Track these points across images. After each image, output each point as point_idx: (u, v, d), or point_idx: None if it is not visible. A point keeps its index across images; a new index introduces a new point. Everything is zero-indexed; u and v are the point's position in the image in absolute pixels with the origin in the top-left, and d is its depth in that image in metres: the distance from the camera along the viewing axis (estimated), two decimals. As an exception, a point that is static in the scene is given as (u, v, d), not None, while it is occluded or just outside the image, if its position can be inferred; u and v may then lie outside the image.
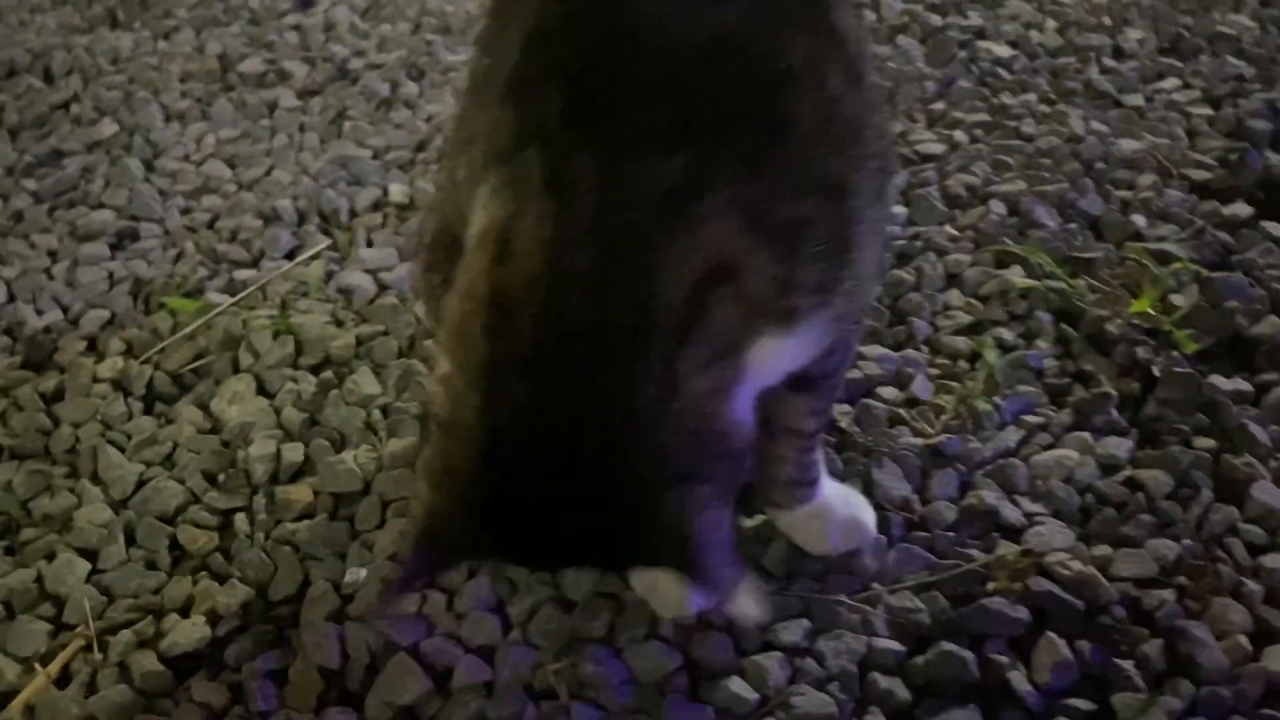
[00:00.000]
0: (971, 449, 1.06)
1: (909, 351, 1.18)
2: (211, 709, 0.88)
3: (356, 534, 1.02)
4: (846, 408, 1.11)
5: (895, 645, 0.89)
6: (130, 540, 1.04)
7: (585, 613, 0.92)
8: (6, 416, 1.18)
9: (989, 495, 1.00)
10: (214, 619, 0.95)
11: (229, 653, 0.93)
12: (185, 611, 0.97)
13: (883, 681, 0.87)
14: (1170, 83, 1.62)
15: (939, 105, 1.60)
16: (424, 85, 1.75)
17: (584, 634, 0.90)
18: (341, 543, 1.01)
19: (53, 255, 1.42)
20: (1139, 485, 1.02)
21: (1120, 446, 1.05)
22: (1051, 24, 1.80)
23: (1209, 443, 1.06)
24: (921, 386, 1.13)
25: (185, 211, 1.48)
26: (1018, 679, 0.86)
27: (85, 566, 1.01)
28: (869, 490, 1.01)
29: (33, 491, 1.09)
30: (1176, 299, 1.21)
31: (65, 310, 1.33)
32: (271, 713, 0.87)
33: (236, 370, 1.21)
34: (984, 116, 1.56)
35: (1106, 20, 1.79)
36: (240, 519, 1.04)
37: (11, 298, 1.36)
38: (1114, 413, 1.10)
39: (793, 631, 0.90)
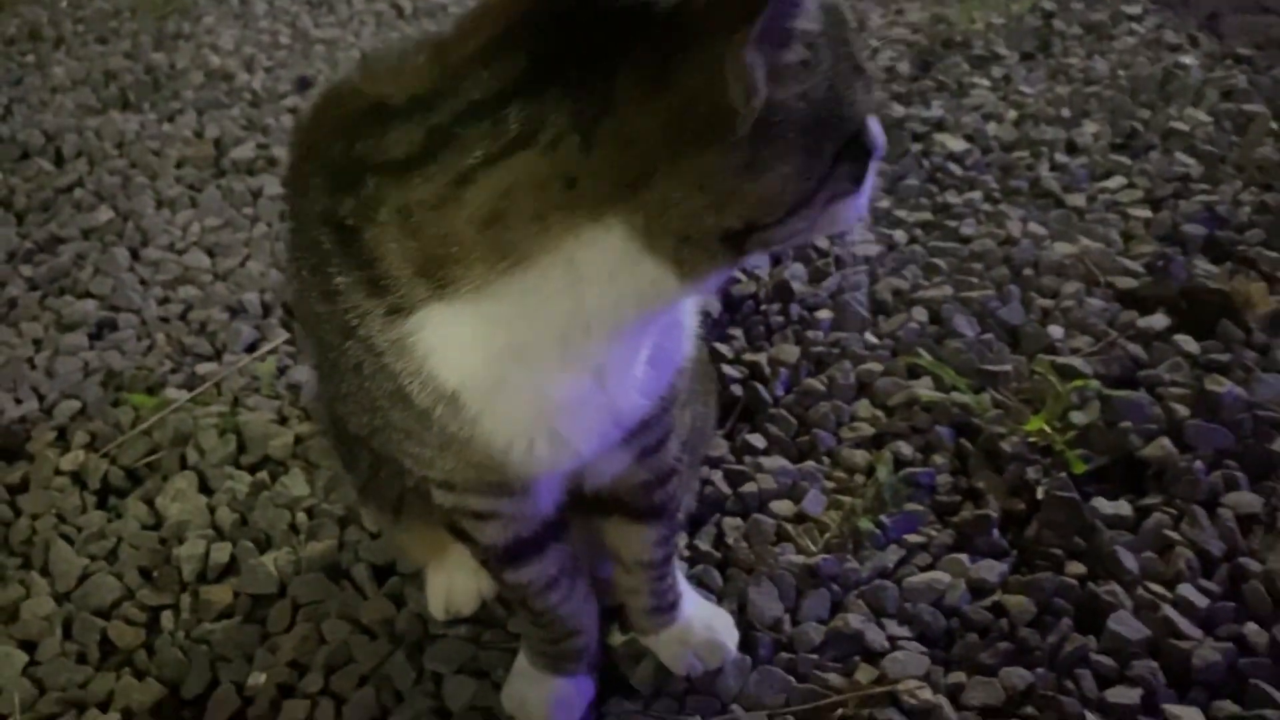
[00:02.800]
0: (848, 569, 1.11)
1: (809, 464, 1.23)
2: (114, 805, 0.97)
3: (266, 636, 1.10)
4: (739, 522, 1.17)
5: (742, 769, 0.95)
6: (67, 633, 1.13)
7: (461, 723, 0.99)
8: (-26, 501, 1.28)
9: (856, 619, 1.05)
10: (128, 715, 1.04)
11: (138, 750, 1.01)
12: (105, 706, 1.05)
13: (722, 805, 0.92)
14: (1115, 181, 1.65)
15: (884, 203, 1.65)
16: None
17: (454, 747, 0.98)
18: (251, 645, 1.09)
19: (37, 344, 1.53)
20: (1004, 611, 1.06)
21: (993, 570, 1.10)
22: (1012, 114, 1.84)
23: (1080, 568, 1.09)
24: (813, 501, 1.18)
25: (163, 301, 1.59)
26: (849, 808, 0.91)
27: (23, 659, 1.10)
28: (744, 609, 1.07)
29: (-23, 599, 1.19)
30: (1077, 416, 1.25)
31: (41, 399, 1.44)
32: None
33: (184, 466, 1.30)
34: (926, 215, 1.61)
35: (1065, 112, 1.83)
36: (166, 616, 1.13)
37: (-4, 386, 1.47)
38: (995, 534, 1.14)
39: (646, 752, 0.96)
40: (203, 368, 1.45)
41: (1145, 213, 1.58)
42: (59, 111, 2.13)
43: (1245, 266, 1.46)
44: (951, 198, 1.64)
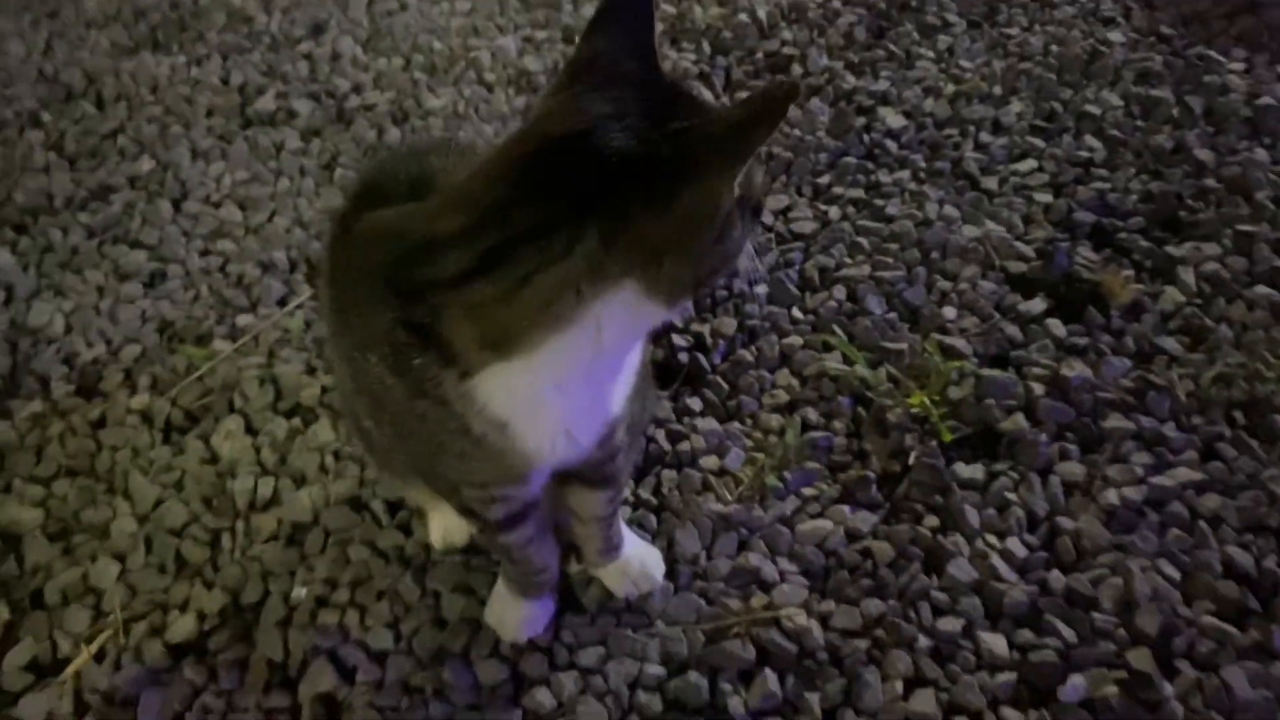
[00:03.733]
0: (754, 516, 1.42)
1: (734, 425, 1.53)
2: (195, 685, 1.30)
3: (304, 557, 1.42)
4: (674, 474, 1.48)
5: (659, 670, 1.28)
6: (148, 549, 1.45)
7: (452, 631, 1.32)
8: (64, 439, 1.59)
9: (755, 556, 1.37)
10: (201, 616, 1.37)
11: (210, 643, 1.35)
12: (183, 608, 1.38)
13: (643, 696, 1.26)
14: (1027, 164, 1.89)
15: (825, 178, 1.90)
16: (405, 130, 2.08)
17: (449, 648, 1.31)
18: (292, 564, 1.41)
19: (100, 291, 1.82)
20: (871, 554, 1.38)
21: (867, 521, 1.41)
22: (949, 89, 2.06)
23: (935, 521, 1.41)
24: (734, 458, 1.49)
25: (203, 254, 1.86)
26: (735, 703, 1.24)
27: (117, 568, 1.43)
28: (671, 546, 1.39)
29: (82, 504, 1.51)
30: (953, 390, 1.54)
31: (109, 343, 1.73)
32: (234, 690, 1.30)
33: (231, 410, 1.60)
34: (859, 193, 1.86)
35: (997, 89, 2.05)
36: (225, 538, 1.45)
37: (69, 329, 1.76)
38: (874, 490, 1.45)
39: (590, 655, 1.29)
40: (242, 319, 1.73)
41: (1047, 197, 1.83)
42: (95, 50, 2.34)
43: (1120, 255, 1.72)
44: (884, 176, 1.89)
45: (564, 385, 0.94)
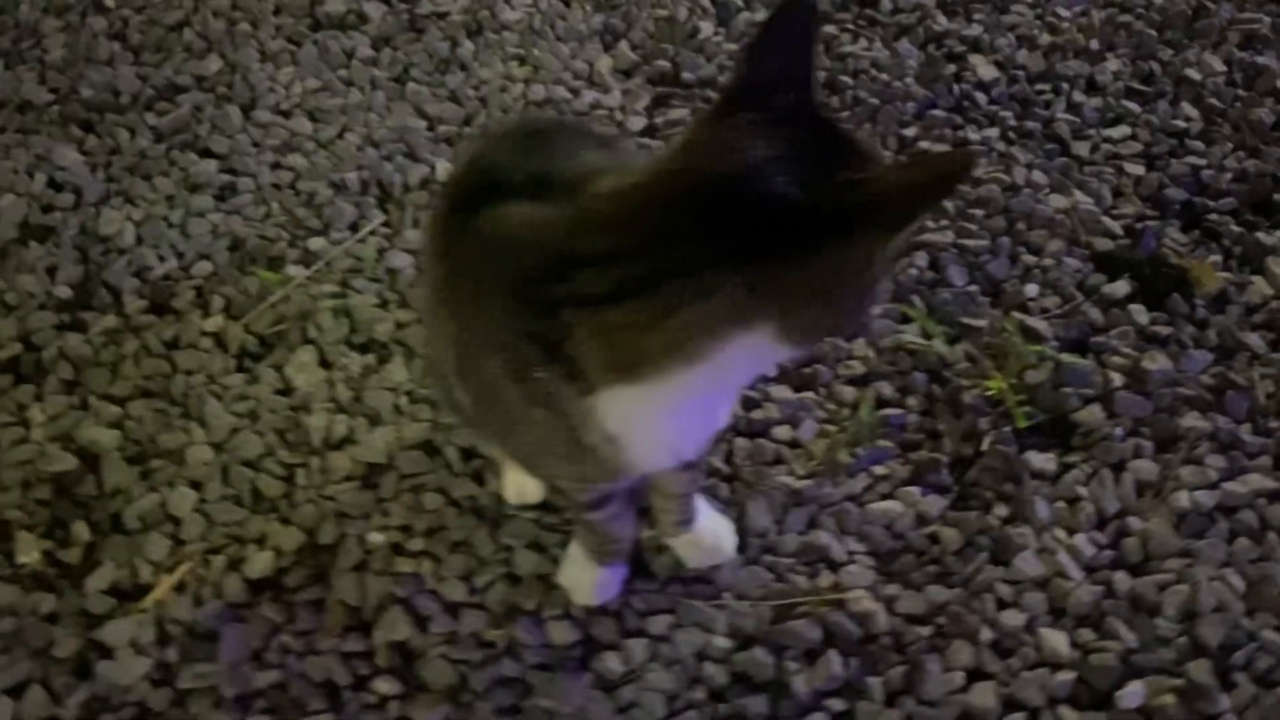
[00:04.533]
0: (825, 492, 1.43)
1: (807, 394, 1.53)
2: (274, 623, 1.34)
3: (380, 500, 1.44)
4: (746, 443, 1.48)
5: (726, 643, 1.31)
6: (224, 479, 1.47)
7: (524, 588, 1.35)
8: (139, 358, 1.59)
9: (825, 535, 1.39)
10: (278, 553, 1.40)
11: (287, 580, 1.38)
12: (260, 543, 1.41)
13: (710, 668, 1.29)
14: (1120, 130, 1.84)
15: (912, 130, 1.85)
16: (479, 45, 2.02)
17: (521, 606, 1.34)
18: (367, 506, 1.43)
19: (170, 201, 1.79)
20: (938, 539, 1.40)
21: (936, 505, 1.42)
22: (1045, 39, 1.99)
23: (1004, 511, 1.42)
24: (807, 430, 1.49)
25: (274, 168, 1.83)
26: (799, 681, 1.28)
27: (194, 497, 1.45)
28: (741, 518, 1.41)
29: (158, 428, 1.52)
30: (1031, 375, 1.53)
31: (180, 257, 1.72)
32: (311, 631, 1.33)
33: (305, 340, 1.60)
34: (944, 149, 1.81)
35: (1094, 44, 1.98)
36: (301, 474, 1.47)
37: (139, 240, 1.75)
38: (945, 473, 1.45)
39: (659, 623, 1.32)
40: (314, 243, 1.72)
41: (1139, 169, 1.78)
42: (157, -71, 2.25)
43: (1209, 239, 1.69)
44: (972, 133, 1.84)
45: (682, 410, 0.94)
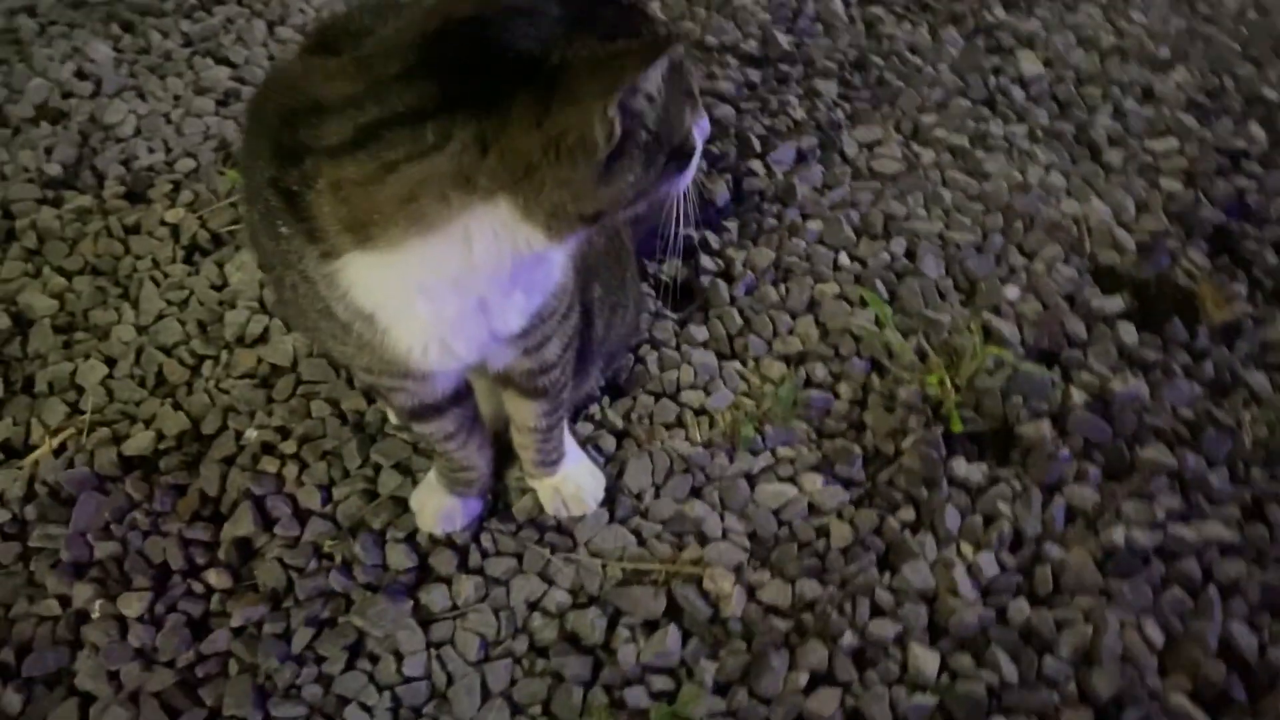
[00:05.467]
0: (717, 464, 1.32)
1: (733, 364, 1.42)
2: (132, 500, 1.32)
3: (270, 400, 1.41)
4: (650, 401, 1.38)
5: (565, 598, 1.22)
6: (137, 359, 1.48)
7: (378, 507, 1.29)
8: (98, 237, 1.62)
9: (703, 506, 1.28)
10: (160, 436, 1.39)
11: (161, 463, 1.37)
12: (148, 424, 1.41)
13: (539, 620, 1.20)
14: (1166, 144, 1.66)
15: (930, 118, 1.71)
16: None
17: (368, 523, 1.28)
18: (257, 404, 1.41)
19: (176, 100, 1.83)
20: (826, 533, 1.26)
21: (835, 498, 1.29)
22: (1109, 41, 1.82)
23: (910, 515, 1.27)
24: (720, 399, 1.38)
25: (280, 82, 1.85)
26: (627, 651, 1.17)
27: (104, 371, 1.46)
28: (620, 476, 1.31)
29: (94, 303, 1.54)
30: (983, 379, 1.38)
31: (169, 152, 1.75)
32: (165, 513, 1.31)
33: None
34: (962, 141, 1.67)
35: (1164, 52, 1.80)
36: (207, 365, 1.46)
37: (138, 132, 1.79)
38: (857, 466, 1.32)
39: (500, 565, 1.24)
40: (293, 154, 1.71)
41: (1175, 185, 1.59)
42: None
43: (1236, 266, 1.49)
44: (995, 127, 1.69)
45: (431, 291, 0.87)
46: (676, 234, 0.95)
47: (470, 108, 0.75)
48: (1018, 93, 1.74)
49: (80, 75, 1.88)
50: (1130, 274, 1.48)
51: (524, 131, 0.75)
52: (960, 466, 1.30)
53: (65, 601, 1.25)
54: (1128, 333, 1.41)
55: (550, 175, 0.77)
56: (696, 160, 0.87)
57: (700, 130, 0.87)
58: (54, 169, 1.73)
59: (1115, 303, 1.45)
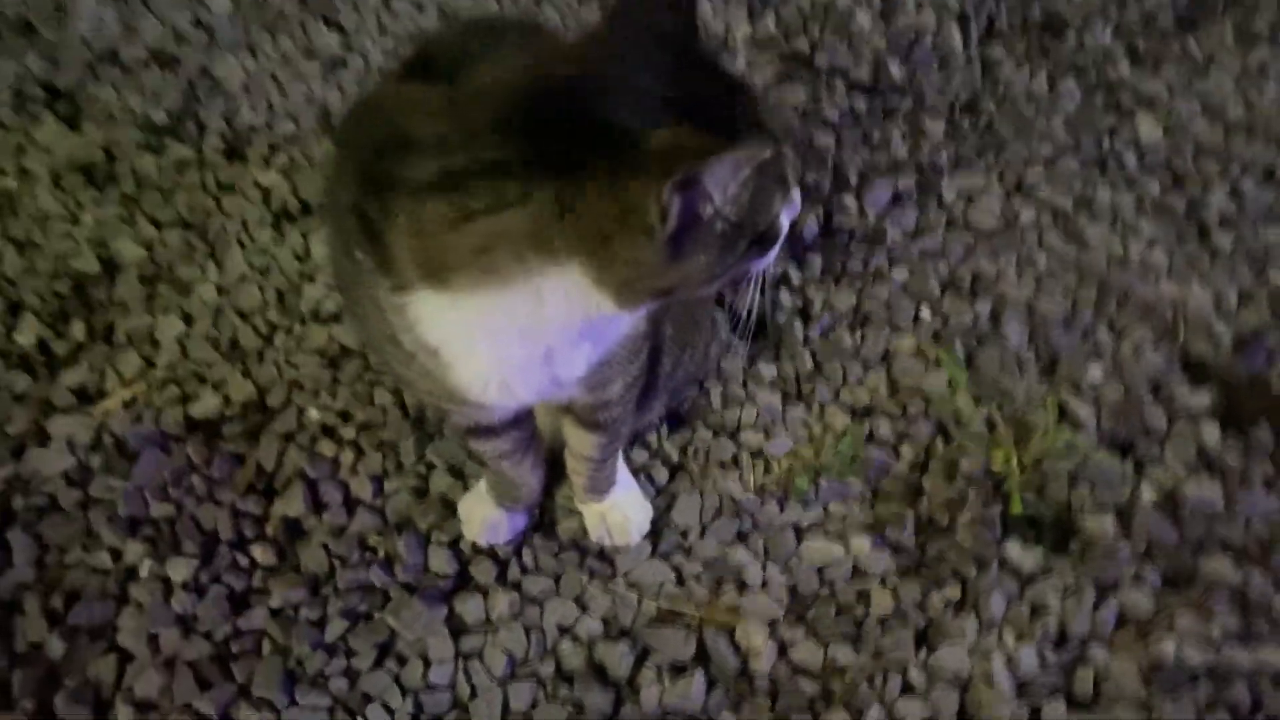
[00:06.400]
0: (767, 511, 1.30)
1: (797, 409, 1.40)
2: (191, 462, 1.35)
3: (335, 381, 1.43)
4: (708, 437, 1.37)
5: (597, 627, 1.22)
6: (214, 320, 1.50)
7: (426, 506, 1.31)
8: (192, 192, 1.65)
9: (746, 553, 1.27)
10: (227, 401, 1.42)
11: (225, 428, 1.39)
12: (217, 387, 1.43)
13: (567, 646, 1.21)
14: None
15: (1036, 172, 1.66)
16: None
17: (415, 523, 1.29)
18: (323, 383, 1.42)
19: (285, 60, 1.85)
20: (867, 599, 1.25)
21: (882, 563, 1.27)
22: (1237, 113, 1.74)
23: (955, 593, 1.25)
24: (779, 444, 1.36)
25: (387, 53, 1.85)
26: (650, 693, 1.17)
27: (182, 329, 1.49)
28: (668, 510, 1.30)
29: (180, 257, 1.57)
30: (1053, 462, 1.34)
31: (270, 112, 1.77)
32: (221, 481, 1.34)
33: (340, 216, 1.61)
34: (1065, 203, 1.62)
35: (1298, 132, 1.71)
36: (280, 336, 1.48)
37: (245, 90, 1.81)
38: (908, 533, 1.30)
39: (537, 585, 1.25)
40: (390, 130, 1.72)
41: (1284, 278, 1.53)
42: None
43: (1337, 377, 1.43)
44: (1103, 193, 1.63)
45: (498, 337, 0.86)
46: (751, 307, 0.94)
47: (553, 169, 0.75)
48: (1131, 158, 1.67)
49: (196, 23, 1.91)
50: (1222, 369, 1.42)
51: (598, 201, 0.74)
52: (1014, 550, 1.27)
53: (117, 555, 1.29)
54: (1210, 432, 1.36)
55: (621, 248, 0.76)
56: (780, 243, 0.85)
57: (790, 211, 0.85)
58: (160, 116, 1.76)
59: (1202, 398, 1.39)
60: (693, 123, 0.74)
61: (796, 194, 0.87)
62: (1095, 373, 1.42)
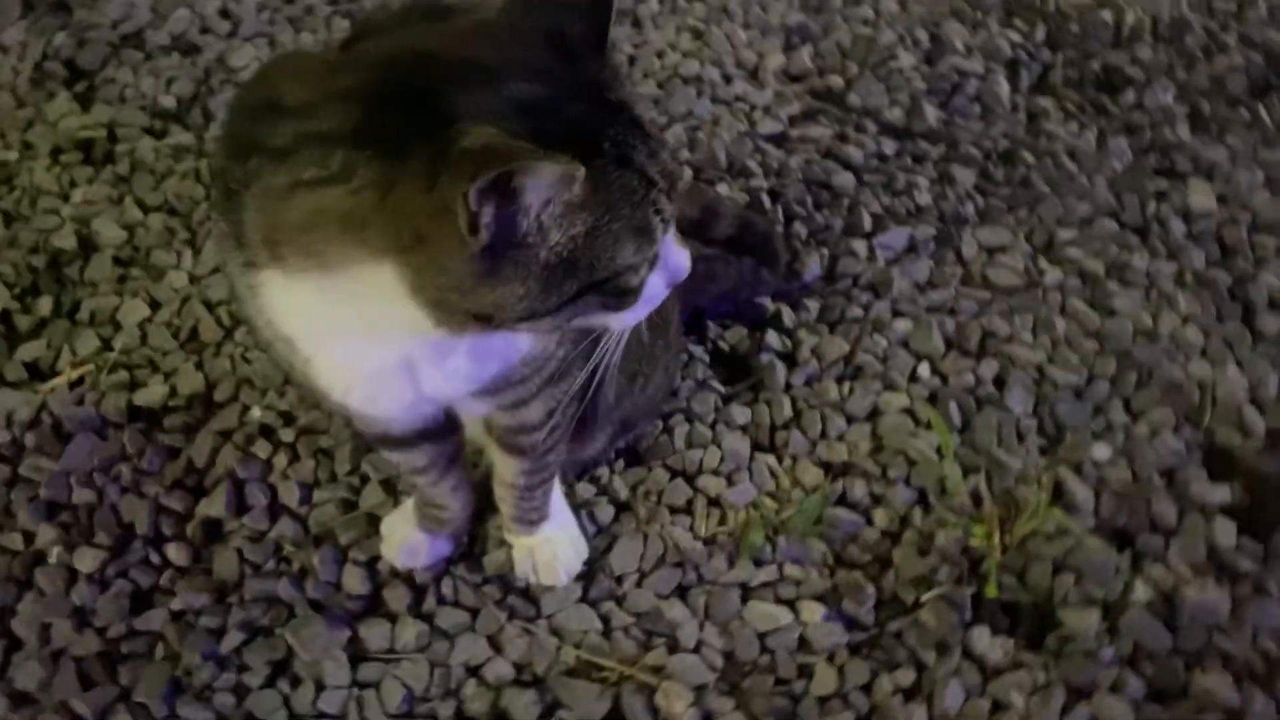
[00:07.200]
0: (714, 565, 1.19)
1: (767, 459, 1.29)
2: (125, 450, 1.29)
3: (286, 383, 1.36)
4: (665, 477, 1.27)
5: (508, 671, 1.12)
6: (180, 309, 1.45)
7: (351, 522, 1.22)
8: (184, 177, 1.61)
9: (683, 611, 1.16)
10: (173, 393, 1.36)
11: (166, 419, 1.33)
12: (168, 377, 1.38)
13: (472, 689, 1.11)
14: (1338, 319, 1.43)
15: (1069, 234, 1.53)
16: (665, 6, 1.90)
17: (336, 536, 1.21)
18: (275, 383, 1.36)
19: (304, 56, 1.81)
20: (810, 674, 1.12)
21: (831, 637, 1.14)
22: (1305, 185, 1.59)
23: (910, 679, 1.12)
24: (740, 493, 1.25)
25: (408, 57, 1.81)
26: (552, 748, 1.07)
27: (144, 314, 1.44)
28: (606, 552, 1.20)
29: (159, 242, 1.53)
30: (1039, 544, 1.20)
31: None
32: (150, 473, 1.28)
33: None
34: (1096, 267, 1.49)
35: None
36: (241, 331, 1.42)
37: (259, 81, 1.78)
38: (868, 608, 1.17)
39: (451, 618, 1.15)
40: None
41: (1333, 371, 1.37)
42: None
43: (1380, 483, 1.26)
44: (1138, 259, 1.49)
45: (340, 334, 0.79)
46: (605, 372, 0.85)
47: (382, 147, 0.67)
48: (1177, 226, 1.53)
49: (224, 14, 1.89)
50: (1249, 463, 1.27)
51: (414, 194, 0.66)
52: (982, 638, 1.14)
53: (30, 539, 1.23)
54: (1225, 532, 1.21)
55: (433, 253, 0.68)
56: (643, 305, 0.77)
57: (667, 271, 0.77)
58: (168, 101, 1.73)
59: (1221, 492, 1.24)
60: (546, 136, 0.66)
61: (675, 255, 0.78)
62: (1102, 452, 1.28)
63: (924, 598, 1.16)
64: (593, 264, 0.71)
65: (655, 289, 0.77)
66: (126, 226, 1.55)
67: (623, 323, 0.78)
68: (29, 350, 1.40)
